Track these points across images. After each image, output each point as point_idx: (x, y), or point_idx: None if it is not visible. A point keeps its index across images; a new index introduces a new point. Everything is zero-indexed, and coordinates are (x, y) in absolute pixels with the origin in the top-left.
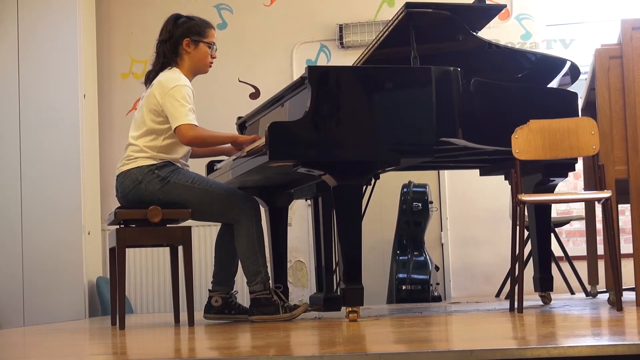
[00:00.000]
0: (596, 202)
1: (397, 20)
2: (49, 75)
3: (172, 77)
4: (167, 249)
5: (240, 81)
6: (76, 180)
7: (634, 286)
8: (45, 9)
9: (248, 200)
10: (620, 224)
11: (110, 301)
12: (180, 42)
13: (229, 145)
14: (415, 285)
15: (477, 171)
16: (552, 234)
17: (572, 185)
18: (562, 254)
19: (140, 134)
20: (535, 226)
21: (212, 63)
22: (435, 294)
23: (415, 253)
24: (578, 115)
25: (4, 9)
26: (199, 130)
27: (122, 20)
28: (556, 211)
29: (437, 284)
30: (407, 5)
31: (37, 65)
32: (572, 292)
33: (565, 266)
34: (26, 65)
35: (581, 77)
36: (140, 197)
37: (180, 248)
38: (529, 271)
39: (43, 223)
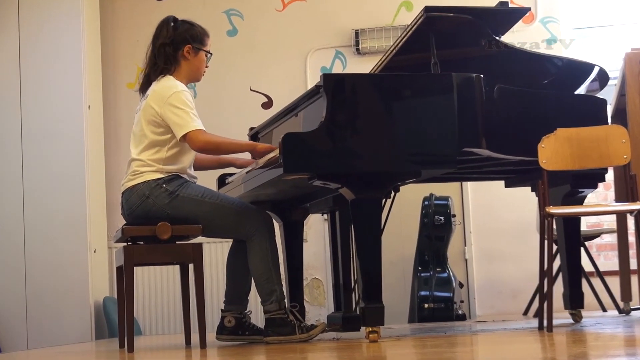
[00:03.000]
0: (628, 214)
1: (416, 25)
2: (52, 85)
3: (167, 85)
4: (177, 267)
5: (252, 90)
6: (81, 196)
7: None
8: (47, 16)
9: (261, 215)
10: None
11: (118, 322)
12: (181, 47)
13: (236, 156)
14: (438, 303)
15: (502, 182)
16: (582, 248)
17: (602, 196)
18: (592, 269)
19: (143, 148)
20: (564, 240)
21: (204, 72)
22: (460, 312)
23: (437, 269)
24: (607, 123)
25: (3, 15)
26: (210, 135)
27: (128, 27)
28: (586, 224)
29: (461, 301)
30: (427, 9)
31: (39, 75)
32: (604, 309)
33: (596, 282)
34: (28, 74)
35: (610, 82)
36: (148, 213)
37: (190, 266)
38: (558, 287)
39: (47, 240)
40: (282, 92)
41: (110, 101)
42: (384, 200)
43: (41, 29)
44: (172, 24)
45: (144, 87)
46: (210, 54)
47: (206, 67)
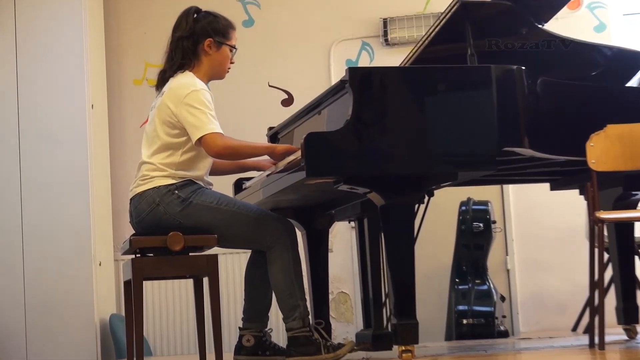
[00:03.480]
0: None
1: (450, 13)
2: (51, 82)
3: (185, 82)
4: (191, 281)
5: (270, 86)
6: (84, 203)
7: None
8: (46, 7)
9: (282, 224)
10: None
11: (126, 342)
12: (201, 41)
13: (258, 159)
14: (477, 319)
15: (547, 185)
16: (637, 257)
17: None
18: None
19: (155, 151)
20: (617, 248)
21: (229, 68)
22: (502, 328)
23: (476, 281)
24: None
25: None
26: (228, 139)
27: (134, 18)
28: None
29: (504, 316)
30: None
31: (37, 72)
32: None
33: None
34: (25, 71)
35: None
36: (159, 221)
37: (205, 280)
38: (611, 300)
39: (47, 252)
40: (303, 88)
41: (116, 100)
42: (416, 206)
43: (39, 20)
44: (194, 14)
45: (160, 84)
46: (235, 48)
47: (231, 62)
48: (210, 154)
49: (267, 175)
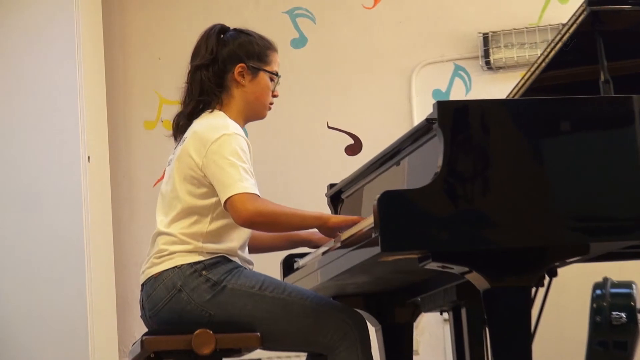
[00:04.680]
0: None
1: (575, 24)
2: (34, 127)
3: (214, 123)
4: None
5: (330, 127)
6: (79, 291)
7: None
8: (32, 24)
9: (349, 316)
10: None
11: None
12: (230, 69)
13: (312, 231)
14: None
15: None
16: None
17: None
18: None
19: (175, 217)
20: None
21: (272, 104)
22: None
23: None
24: None
25: None
26: (262, 203)
27: (145, 39)
28: None
29: None
30: (590, 1)
31: (15, 113)
32: None
33: None
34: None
35: None
36: (181, 314)
37: None
38: None
39: (29, 358)
40: (375, 130)
41: (120, 149)
42: (534, 290)
43: (21, 42)
44: (219, 35)
45: (180, 129)
46: (278, 76)
47: (274, 96)
48: (238, 222)
49: (324, 253)
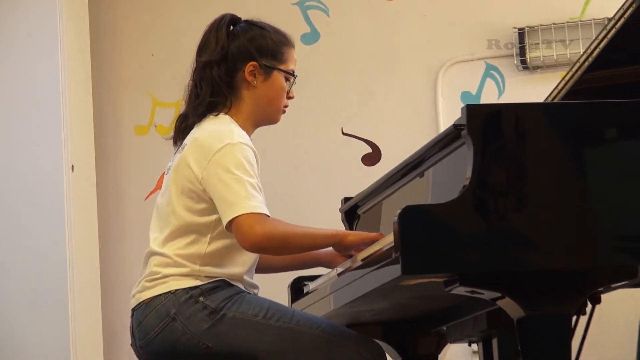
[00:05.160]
0: None
1: (622, 19)
2: (8, 129)
3: (217, 130)
4: None
5: (344, 134)
6: (60, 316)
7: None
8: (6, 15)
9: (366, 348)
10: None
11: None
12: (241, 67)
13: (326, 250)
14: None
15: None
16: None
17: None
18: None
19: (170, 235)
20: None
21: (287, 107)
22: None
23: None
24: None
25: None
26: (274, 226)
27: (136, 33)
28: None
29: None
30: None
31: None
32: None
33: None
34: None
35: None
36: (175, 345)
37: None
38: None
39: None
40: (395, 137)
41: (109, 157)
42: (574, 319)
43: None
44: (229, 27)
45: (181, 134)
46: (295, 75)
47: (289, 98)
48: (244, 246)
49: (339, 274)
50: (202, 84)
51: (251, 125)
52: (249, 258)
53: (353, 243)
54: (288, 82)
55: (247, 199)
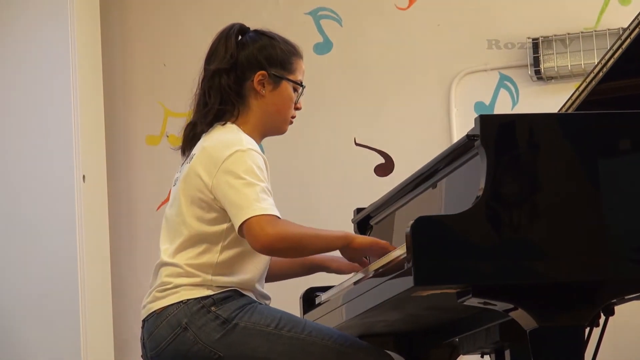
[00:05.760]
0: None
1: (638, 29)
2: (21, 141)
3: (225, 139)
4: None
5: (357, 145)
6: (72, 326)
7: None
8: (21, 28)
9: (377, 358)
10: None
11: None
12: (250, 76)
13: (331, 255)
14: None
15: None
16: None
17: None
18: None
19: (181, 245)
20: None
21: (294, 117)
22: None
23: None
24: None
25: None
26: (285, 227)
27: (147, 43)
28: None
29: None
30: None
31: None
32: None
33: None
34: None
35: None
36: (186, 355)
37: None
38: None
39: None
40: (409, 148)
41: (120, 167)
42: (587, 330)
43: (9, 47)
44: (238, 36)
45: (189, 143)
46: (302, 86)
47: (296, 108)
48: (256, 248)
49: (355, 283)
50: (211, 92)
51: (258, 134)
52: (260, 264)
53: (362, 245)
54: (296, 92)
55: (257, 201)
